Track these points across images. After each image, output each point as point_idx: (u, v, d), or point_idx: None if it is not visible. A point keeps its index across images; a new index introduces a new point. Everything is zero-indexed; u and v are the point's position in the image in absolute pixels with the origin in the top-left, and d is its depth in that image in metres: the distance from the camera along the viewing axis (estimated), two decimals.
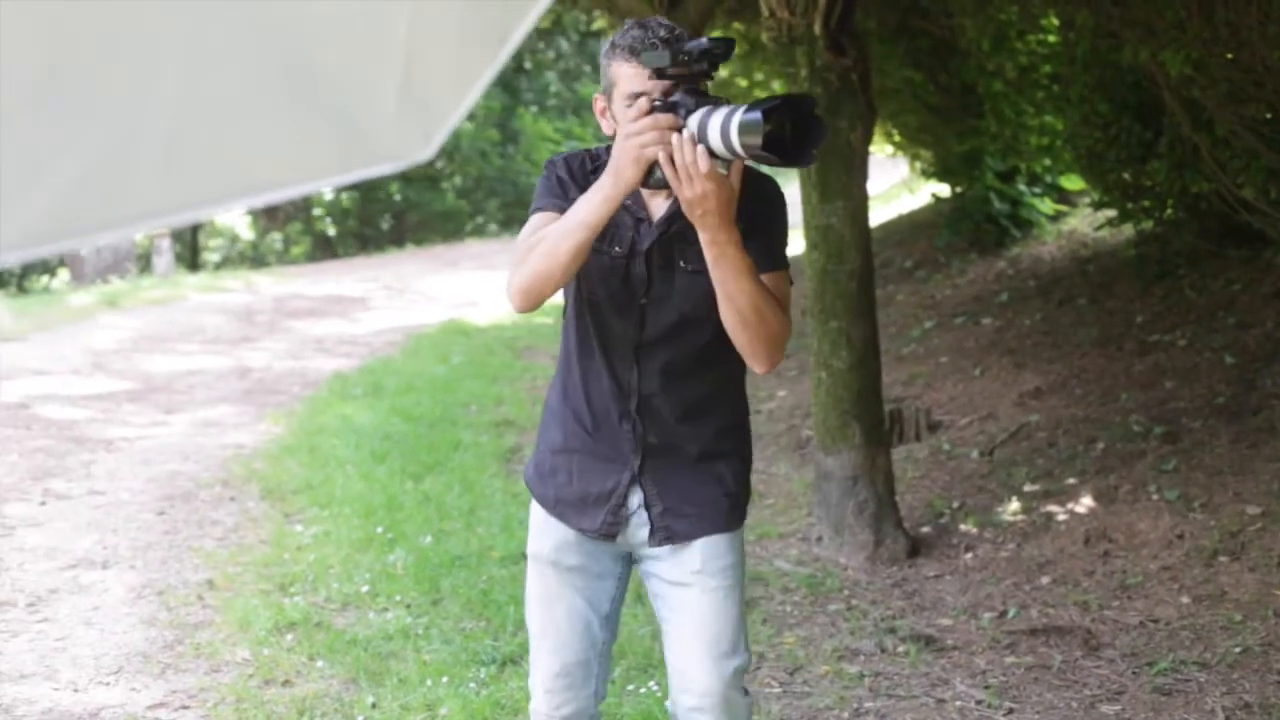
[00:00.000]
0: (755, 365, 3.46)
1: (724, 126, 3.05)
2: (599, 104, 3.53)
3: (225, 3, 1.29)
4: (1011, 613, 6.62)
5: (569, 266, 3.35)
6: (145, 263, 25.57)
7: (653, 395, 3.62)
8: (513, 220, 34.54)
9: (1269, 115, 9.80)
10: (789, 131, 3.03)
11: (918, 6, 12.92)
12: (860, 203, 7.57)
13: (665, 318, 3.57)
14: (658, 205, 3.57)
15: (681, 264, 3.52)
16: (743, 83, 17.73)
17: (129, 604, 6.70)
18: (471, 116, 33.02)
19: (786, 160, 3.03)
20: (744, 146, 3.03)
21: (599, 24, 15.99)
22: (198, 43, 1.29)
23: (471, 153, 33.48)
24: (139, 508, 8.33)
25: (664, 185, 3.22)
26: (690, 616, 3.66)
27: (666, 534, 3.65)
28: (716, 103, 3.16)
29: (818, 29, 7.32)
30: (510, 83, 36.21)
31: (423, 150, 1.53)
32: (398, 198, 33.42)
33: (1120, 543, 7.25)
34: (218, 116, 1.33)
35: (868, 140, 7.70)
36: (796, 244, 8.70)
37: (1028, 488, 8.15)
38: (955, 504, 8.13)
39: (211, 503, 8.49)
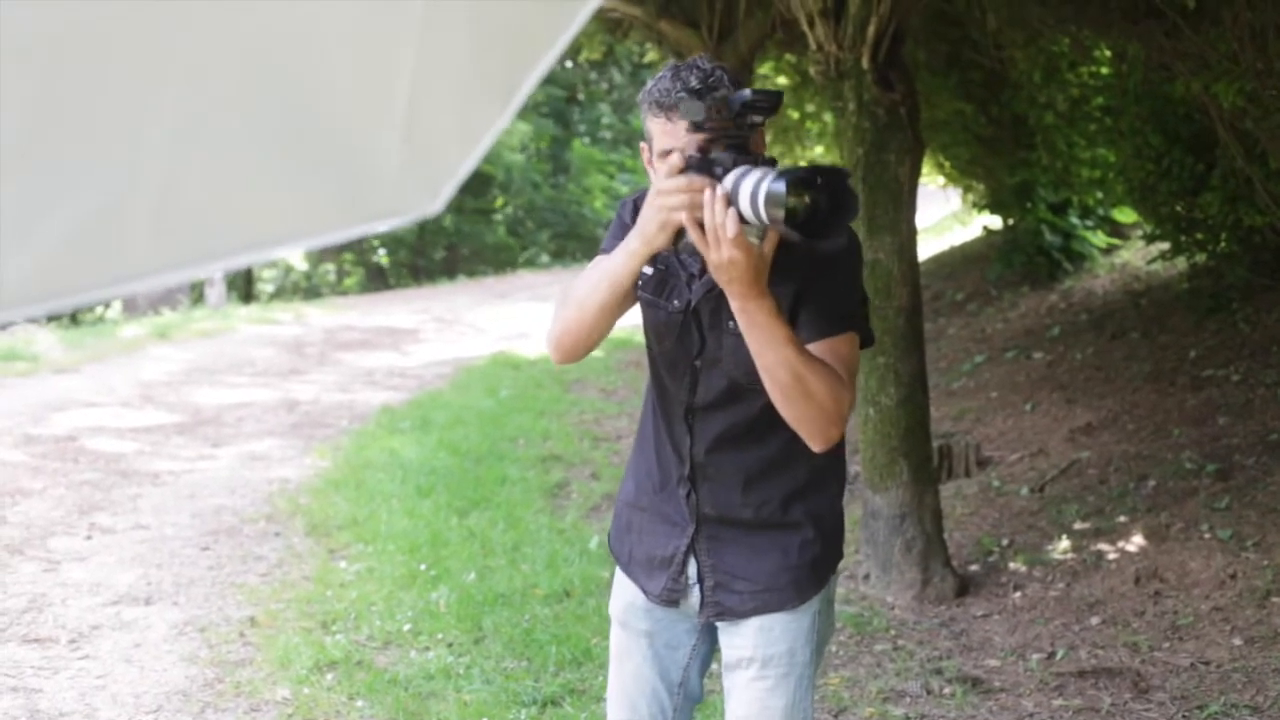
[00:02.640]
0: (810, 442, 3.12)
1: (754, 192, 2.82)
2: (645, 153, 3.30)
3: (219, 54, 1.25)
4: (1060, 654, 6.52)
5: (598, 321, 3.24)
6: (198, 294, 25.69)
7: (707, 463, 3.38)
8: (564, 252, 34.57)
9: None
10: (824, 203, 2.79)
11: (969, 38, 12.86)
12: (908, 238, 7.50)
13: (716, 382, 3.31)
14: None
15: (730, 324, 3.22)
16: (794, 114, 17.69)
17: (170, 641, 6.67)
18: (523, 148, 33.13)
19: (811, 238, 2.79)
20: (769, 218, 2.80)
21: (651, 56, 15.97)
22: (191, 95, 1.25)
23: (523, 184, 33.52)
24: (183, 543, 8.31)
25: (694, 251, 2.98)
26: (735, 708, 3.44)
27: (716, 609, 3.42)
28: (758, 161, 2.91)
29: (865, 63, 7.27)
30: (563, 114, 36.30)
31: (430, 204, 1.48)
32: (450, 229, 33.49)
33: (1171, 582, 7.15)
34: (211, 172, 1.29)
35: (915, 174, 7.63)
36: None
37: (1078, 525, 8.06)
38: (1005, 542, 8.04)
39: (256, 538, 8.47)
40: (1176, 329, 11.49)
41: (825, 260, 3.21)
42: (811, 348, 3.14)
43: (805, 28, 7.56)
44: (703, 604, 3.43)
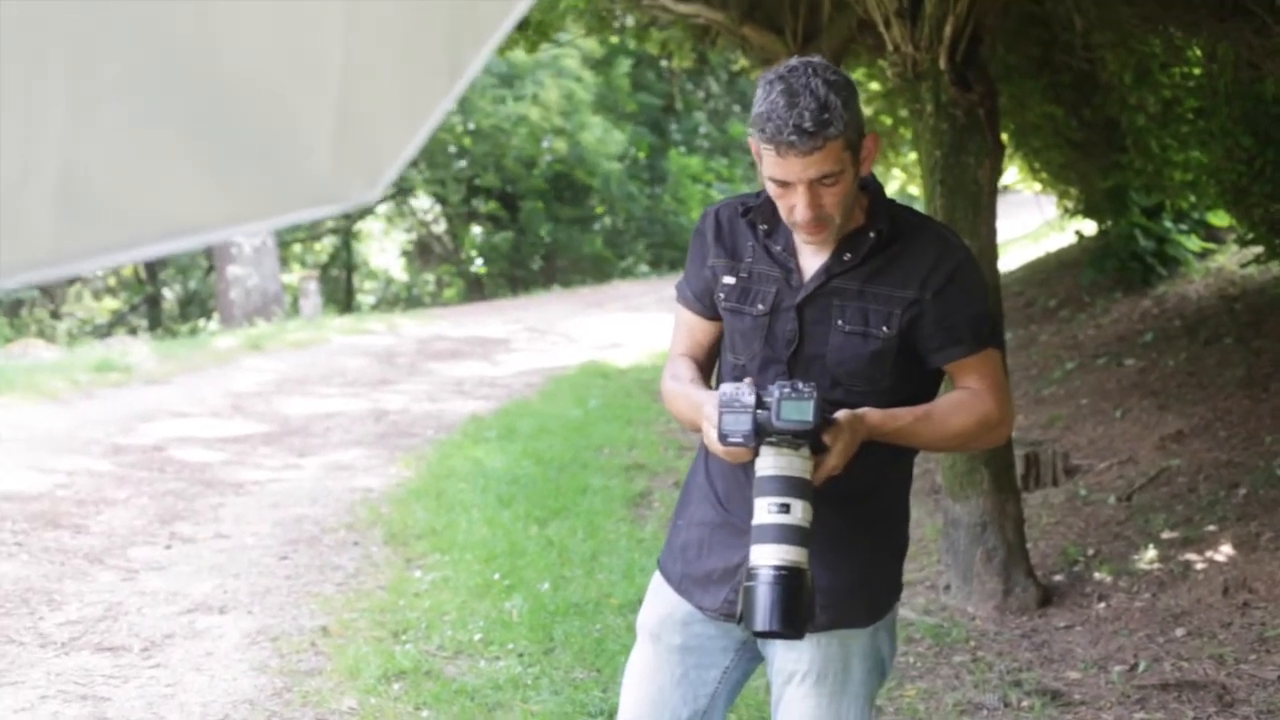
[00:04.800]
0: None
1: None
2: (752, 145, 3.24)
3: (118, 30, 1.18)
4: (1143, 666, 6.37)
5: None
6: (294, 306, 25.87)
7: None
8: (661, 261, 34.55)
9: None
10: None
11: (1058, 40, 12.69)
12: (988, 242, 7.37)
13: (818, 381, 3.16)
14: (815, 252, 3.30)
15: (839, 322, 3.25)
16: (887, 120, 17.55)
17: (241, 650, 6.66)
18: (620, 157, 33.14)
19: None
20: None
21: (740, 64, 15.89)
22: (87, 74, 1.18)
23: (620, 194, 33.53)
24: (262, 552, 8.32)
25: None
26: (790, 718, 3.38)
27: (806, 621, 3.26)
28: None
29: (943, 63, 7.15)
30: (659, 123, 36.29)
31: (367, 191, 1.41)
32: (548, 240, 33.56)
33: (1261, 593, 6.98)
34: (117, 156, 1.22)
35: (995, 177, 7.51)
36: None
37: (1166, 535, 7.89)
38: (1090, 551, 7.88)
39: (335, 547, 8.46)
40: (1271, 334, 11.26)
41: (950, 275, 3.27)
42: (953, 368, 3.33)
43: (881, 28, 7.47)
44: None
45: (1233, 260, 14.09)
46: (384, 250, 40.81)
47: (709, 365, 3.53)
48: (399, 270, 39.76)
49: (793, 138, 3.02)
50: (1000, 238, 7.61)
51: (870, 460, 3.21)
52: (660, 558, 3.59)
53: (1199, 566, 7.42)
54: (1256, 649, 6.43)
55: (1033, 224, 23.80)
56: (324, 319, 23.12)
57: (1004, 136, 9.44)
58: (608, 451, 11.26)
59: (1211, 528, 7.85)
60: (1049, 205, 19.70)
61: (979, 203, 7.29)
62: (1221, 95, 11.69)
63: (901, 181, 23.04)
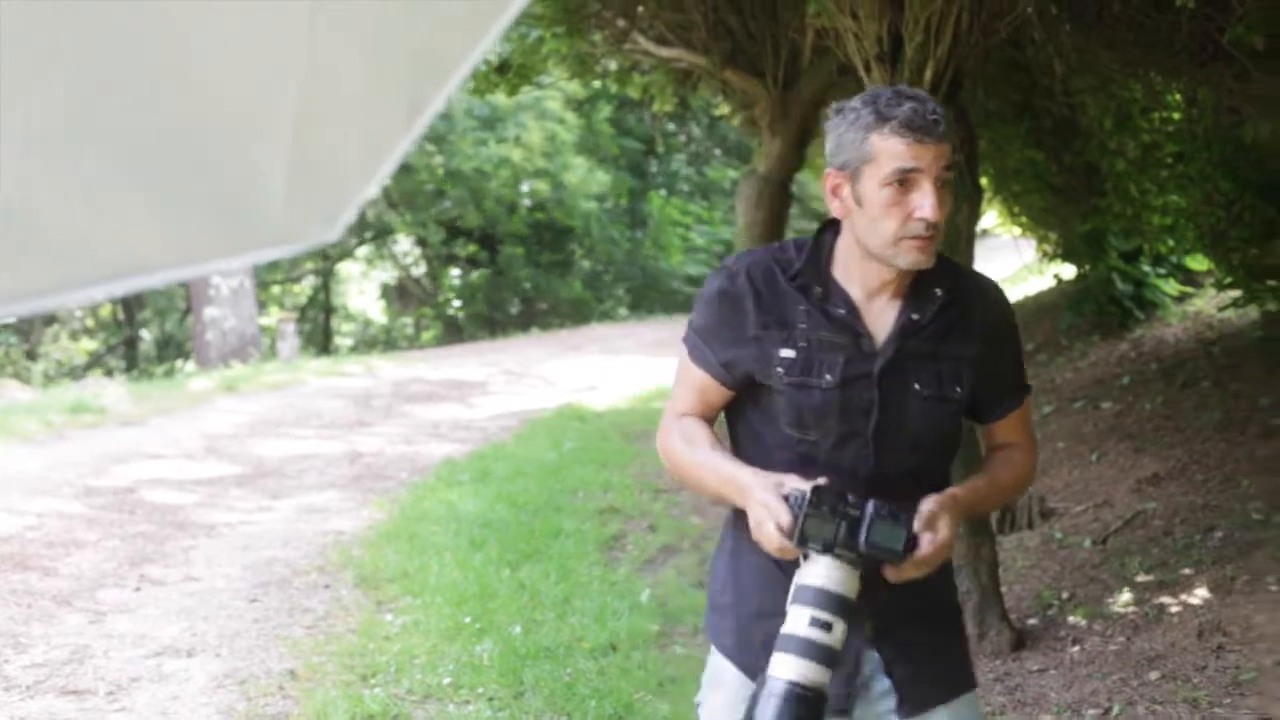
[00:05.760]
0: None
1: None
2: (832, 181, 3.06)
3: (63, 68, 1.14)
4: (1116, 709, 6.32)
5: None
6: (270, 348, 25.80)
7: None
8: (640, 304, 34.50)
9: None
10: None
11: (1039, 85, 12.71)
12: None
13: (899, 450, 3.08)
14: (880, 313, 3.12)
15: (916, 387, 3.09)
16: None
17: (208, 694, 6.59)
18: (600, 198, 33.16)
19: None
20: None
21: (722, 109, 15.89)
22: (41, 112, 1.14)
23: (600, 237, 33.53)
24: (232, 594, 8.25)
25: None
26: None
27: (918, 702, 3.14)
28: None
29: None
30: (640, 166, 36.33)
31: (325, 232, 1.38)
32: (527, 285, 33.53)
33: (1235, 636, 6.94)
34: (61, 197, 1.18)
35: (974, 221, 7.52)
36: None
37: (1141, 578, 7.85)
38: (1064, 594, 7.84)
39: (305, 590, 8.39)
40: (1248, 377, 11.26)
41: (998, 327, 3.25)
42: (1002, 425, 3.31)
43: (862, 73, 7.46)
44: (901, 700, 3.13)
45: (1210, 304, 14.11)
46: (363, 292, 40.80)
47: (712, 424, 3.28)
48: (377, 313, 39.71)
49: (934, 117, 2.94)
50: None
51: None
52: (725, 649, 3.26)
53: (1174, 610, 7.38)
54: (1230, 692, 6.38)
55: (1011, 267, 23.82)
56: (301, 361, 23.05)
57: (984, 180, 9.47)
58: (582, 495, 11.20)
59: (1187, 571, 7.82)
60: (1028, 249, 19.72)
61: (957, 246, 7.28)
62: (1201, 140, 11.74)
63: None
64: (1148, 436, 10.55)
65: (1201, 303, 14.49)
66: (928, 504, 2.96)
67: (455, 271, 35.25)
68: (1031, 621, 7.51)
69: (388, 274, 38.83)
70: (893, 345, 3.08)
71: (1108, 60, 10.51)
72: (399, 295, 38.38)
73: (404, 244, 36.46)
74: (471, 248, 33.64)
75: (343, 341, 37.25)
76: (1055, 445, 11.11)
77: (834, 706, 3.04)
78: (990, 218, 17.96)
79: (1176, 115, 12.59)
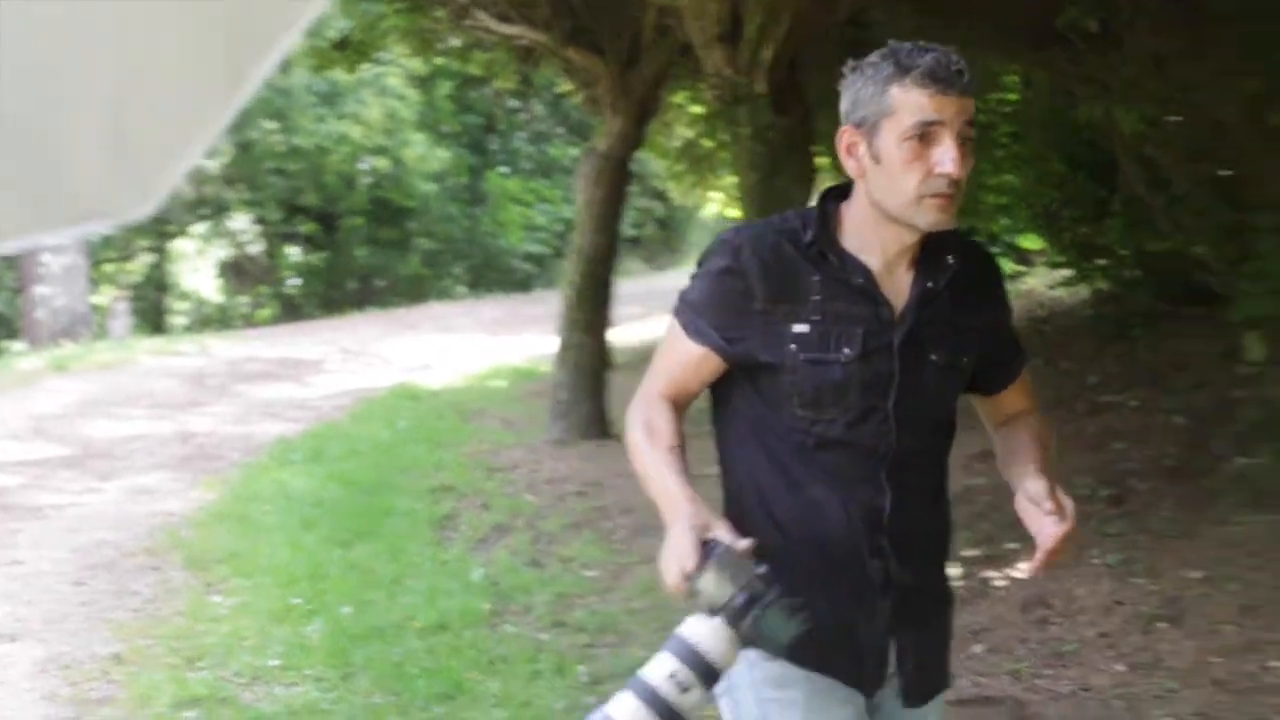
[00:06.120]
0: None
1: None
2: (847, 139, 2.86)
3: None
4: None
5: None
6: (101, 327, 25.36)
7: (907, 521, 2.96)
8: (479, 283, 34.32)
9: (1224, 173, 9.72)
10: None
11: None
12: None
13: (919, 424, 2.96)
14: (895, 282, 2.96)
15: (933, 357, 2.95)
16: (708, 143, 17.62)
17: (31, 679, 6.48)
18: (439, 178, 32.96)
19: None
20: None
21: (564, 86, 15.86)
22: None
23: (439, 215, 33.31)
24: (58, 578, 8.12)
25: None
26: None
27: (922, 693, 3.06)
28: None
29: (762, 88, 7.19)
30: (481, 143, 36.12)
31: (141, 206, 1.34)
32: (365, 263, 33.21)
33: (1058, 609, 7.07)
34: None
35: (808, 199, 7.57)
36: None
37: (968, 553, 7.96)
38: None
39: (133, 572, 8.28)
40: (1078, 355, 11.47)
41: (1000, 292, 3.20)
42: (1011, 392, 3.22)
43: (701, 53, 7.49)
44: (907, 689, 3.03)
45: (1043, 283, 14.34)
46: (198, 271, 40.25)
47: (684, 412, 3.05)
48: (213, 291, 39.18)
49: (957, 67, 2.78)
50: None
51: (946, 491, 3.17)
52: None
53: (999, 584, 7.50)
54: (1053, 664, 6.51)
55: None
56: (133, 340, 22.63)
57: (822, 160, 9.55)
58: (415, 473, 11.13)
59: (1012, 545, 7.93)
60: None
61: None
62: (1035, 121, 11.89)
63: (721, 204, 23.19)
64: (978, 414, 10.69)
65: (1034, 281, 14.74)
66: (1037, 483, 2.86)
67: (293, 249, 34.86)
68: None
69: (224, 252, 38.34)
70: (912, 314, 2.93)
71: (946, 41, 10.61)
72: (235, 273, 37.88)
73: (241, 221, 36.00)
74: (310, 225, 33.29)
75: (177, 320, 36.66)
76: None
77: (865, 691, 2.98)
78: None
79: (1012, 96, 12.78)
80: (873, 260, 2.93)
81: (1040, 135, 12.16)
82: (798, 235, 2.94)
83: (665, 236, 39.32)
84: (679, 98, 15.53)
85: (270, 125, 29.77)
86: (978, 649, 6.77)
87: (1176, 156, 9.65)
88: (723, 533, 2.68)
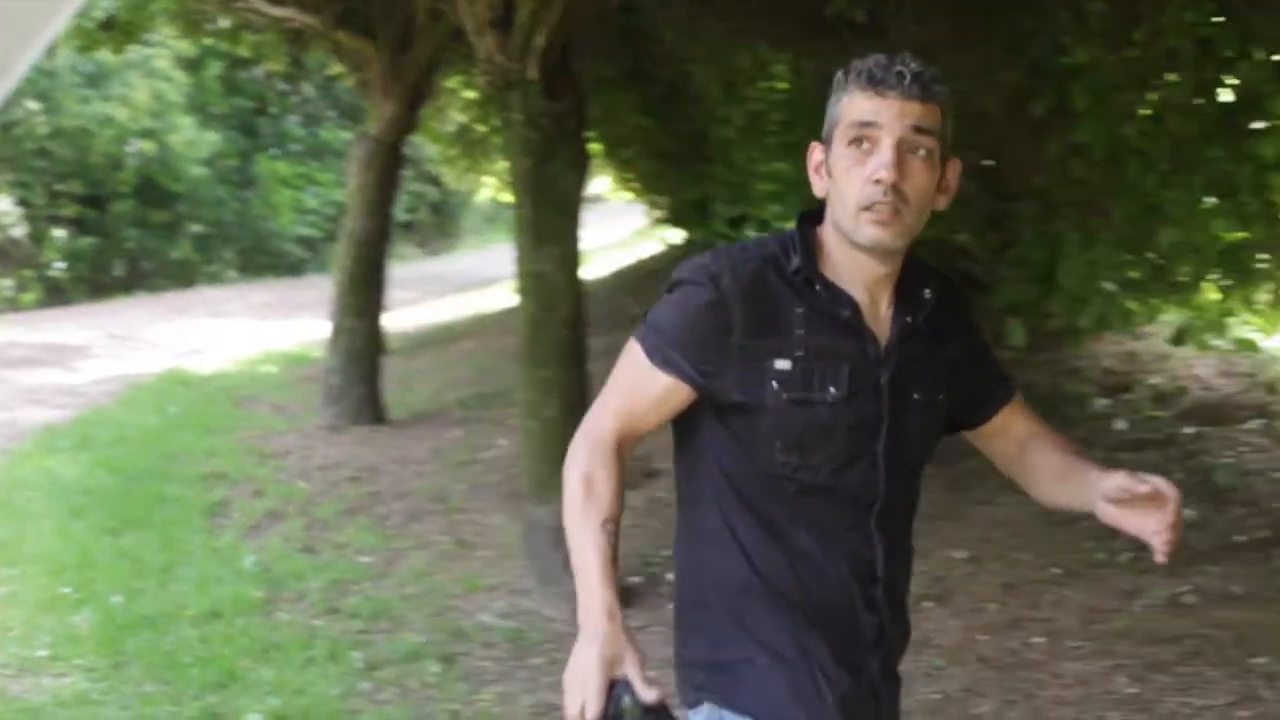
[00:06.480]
0: None
1: None
2: (815, 157, 2.72)
3: None
4: None
5: None
6: None
7: (895, 569, 2.78)
8: (249, 267, 33.85)
9: (987, 163, 9.94)
10: None
11: (650, 54, 12.92)
12: (572, 249, 7.48)
13: (903, 468, 2.75)
14: (880, 315, 2.73)
15: (915, 396, 2.73)
16: (481, 127, 17.61)
17: None
18: (208, 161, 32.47)
19: None
20: None
21: (335, 69, 15.70)
22: None
23: (208, 198, 32.79)
24: None
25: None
26: None
27: None
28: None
29: (534, 74, 7.20)
30: (251, 126, 35.63)
31: None
32: (133, 246, 32.56)
33: None
34: None
35: (581, 186, 7.62)
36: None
37: (667, 553, 8.07)
38: (666, 553, 7.99)
39: None
40: None
41: (970, 322, 2.94)
42: (1012, 417, 2.95)
43: (474, 38, 7.47)
44: None
45: None
46: None
47: (631, 451, 2.81)
48: None
49: (900, 70, 2.57)
50: (590, 245, 7.72)
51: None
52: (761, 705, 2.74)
53: None
54: None
55: (622, 233, 24.20)
56: None
57: (595, 147, 9.61)
58: (186, 460, 10.95)
59: None
60: (639, 214, 20.07)
61: (565, 211, 7.38)
62: (805, 109, 12.03)
63: (493, 189, 23.18)
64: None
65: None
66: (1111, 476, 2.64)
67: (60, 232, 34.07)
68: (635, 579, 7.64)
69: None
70: (895, 350, 2.71)
71: (718, 30, 10.75)
72: None
73: (3, 203, 35.09)
74: (76, 208, 32.55)
75: None
76: None
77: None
78: (603, 183, 18.21)
79: (782, 85, 12.94)
80: (855, 291, 2.70)
81: (810, 124, 12.32)
82: (780, 262, 2.70)
83: (439, 221, 39.14)
84: (452, 82, 15.49)
85: (34, 106, 29.07)
86: None
87: None
88: (634, 671, 2.46)
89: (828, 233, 2.72)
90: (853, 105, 2.61)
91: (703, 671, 2.82)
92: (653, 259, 18.58)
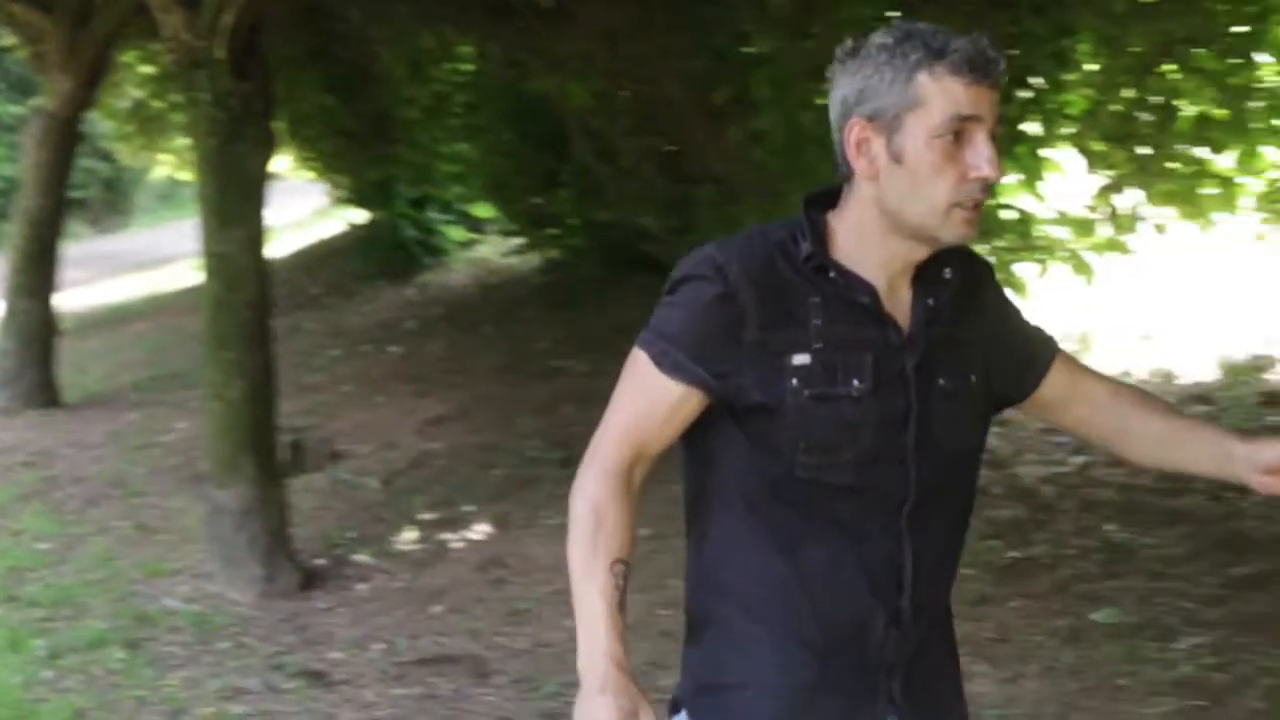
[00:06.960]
0: None
1: None
2: (857, 134, 2.38)
3: None
4: (402, 644, 6.55)
5: None
6: None
7: (928, 576, 2.51)
8: None
9: (669, 148, 10.17)
10: None
11: (335, 32, 12.85)
12: (258, 231, 7.45)
13: (939, 460, 2.48)
14: (899, 300, 2.47)
15: (941, 382, 2.48)
16: (158, 104, 17.26)
17: None
18: None
19: None
20: None
21: (8, 41, 15.20)
22: None
23: None
24: None
25: None
26: None
27: None
28: None
29: (221, 53, 7.14)
30: None
31: None
32: None
33: (514, 568, 7.34)
34: None
35: (267, 167, 7.58)
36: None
37: (425, 516, 8.16)
38: (352, 534, 8.04)
39: None
40: (529, 321, 11.81)
41: (998, 295, 2.69)
42: (1059, 370, 2.67)
43: (159, 15, 7.36)
44: None
45: (496, 251, 14.68)
46: None
47: (647, 476, 2.48)
48: None
49: (994, 54, 2.34)
50: (271, 224, 7.70)
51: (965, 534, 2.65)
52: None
53: (456, 545, 7.72)
54: (509, 621, 6.75)
55: (303, 212, 23.92)
56: None
57: (278, 125, 9.55)
58: None
59: (469, 508, 8.18)
60: (320, 193, 19.91)
61: (250, 192, 7.36)
62: (489, 92, 12.14)
63: (169, 167, 22.75)
64: (432, 379, 10.91)
65: (487, 249, 15.06)
66: (1263, 447, 2.49)
67: None
68: (320, 561, 7.66)
69: None
70: (921, 336, 2.47)
71: (403, 11, 10.76)
72: None
73: None
74: None
75: None
76: (343, 388, 11.32)
77: None
78: (284, 162, 18.03)
79: (467, 67, 13.02)
80: (877, 275, 2.46)
81: (493, 106, 12.42)
82: (789, 249, 2.44)
83: (111, 199, 38.09)
84: (129, 57, 15.16)
85: None
86: (437, 609, 6.96)
87: (624, 130, 10.03)
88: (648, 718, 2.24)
89: (849, 217, 2.47)
90: (945, 91, 2.34)
91: (693, 685, 2.60)
92: (334, 239, 18.47)
